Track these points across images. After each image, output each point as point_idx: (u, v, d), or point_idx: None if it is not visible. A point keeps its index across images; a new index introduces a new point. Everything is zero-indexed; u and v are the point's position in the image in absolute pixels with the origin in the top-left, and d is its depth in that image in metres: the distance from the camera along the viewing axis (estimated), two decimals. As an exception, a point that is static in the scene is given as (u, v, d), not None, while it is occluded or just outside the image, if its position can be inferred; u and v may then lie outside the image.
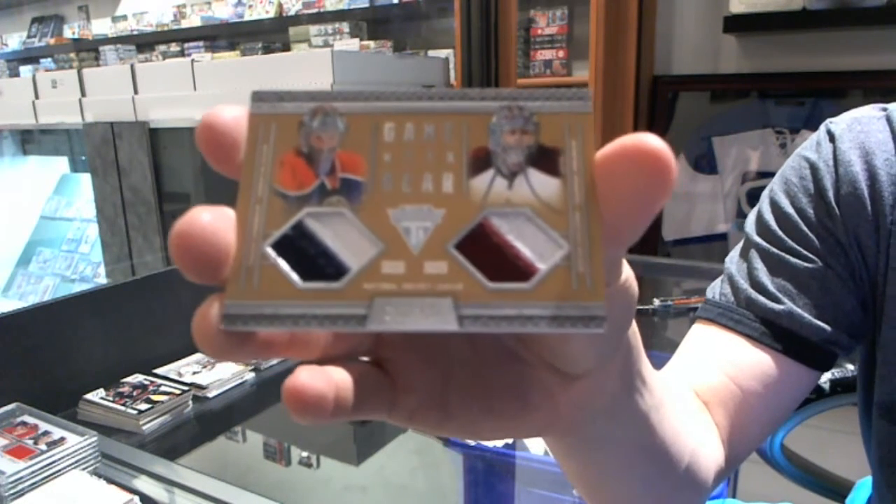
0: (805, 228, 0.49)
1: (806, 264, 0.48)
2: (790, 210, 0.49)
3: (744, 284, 0.50)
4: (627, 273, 0.21)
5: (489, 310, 0.17)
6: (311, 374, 0.18)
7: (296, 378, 0.18)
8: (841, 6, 1.71)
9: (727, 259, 0.53)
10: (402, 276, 0.17)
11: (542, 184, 0.18)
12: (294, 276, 0.17)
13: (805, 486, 0.96)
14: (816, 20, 1.75)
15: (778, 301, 0.48)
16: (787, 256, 0.49)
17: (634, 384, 0.27)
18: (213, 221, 0.17)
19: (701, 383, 0.47)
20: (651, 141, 0.17)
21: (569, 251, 0.17)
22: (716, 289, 0.52)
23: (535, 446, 0.72)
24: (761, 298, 0.48)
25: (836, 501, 0.95)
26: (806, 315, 0.48)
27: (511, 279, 0.17)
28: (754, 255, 0.50)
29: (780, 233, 0.49)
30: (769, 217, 0.51)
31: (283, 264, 0.17)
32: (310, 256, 0.17)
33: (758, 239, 0.51)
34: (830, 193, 0.48)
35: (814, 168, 0.49)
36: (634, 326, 0.25)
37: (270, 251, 0.17)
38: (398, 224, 0.17)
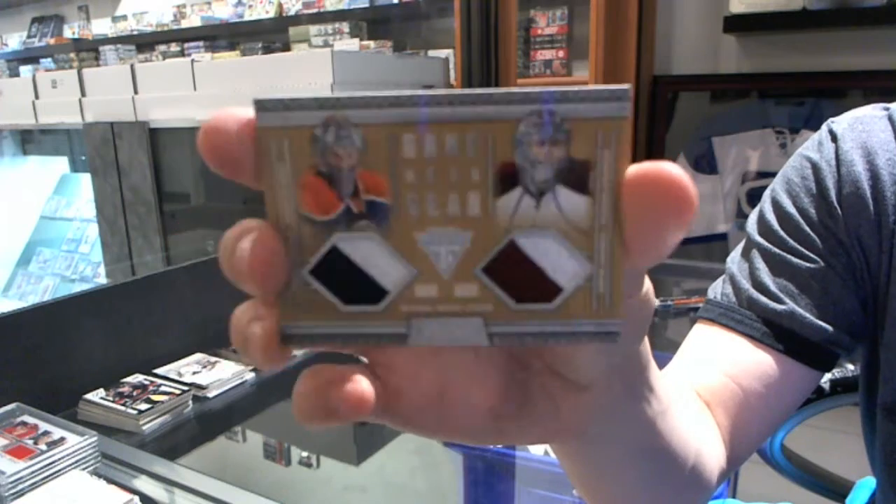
0: (807, 228, 0.49)
1: (807, 264, 0.48)
2: (792, 210, 0.49)
3: (745, 284, 0.50)
4: (648, 286, 0.22)
5: (515, 328, 0.18)
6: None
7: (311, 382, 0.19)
8: (841, 6, 1.71)
9: (728, 259, 0.53)
10: (435, 298, 0.18)
11: (571, 202, 0.17)
12: (337, 301, 0.18)
13: (805, 486, 0.96)
14: (816, 20, 1.75)
15: (779, 301, 0.48)
16: (789, 256, 0.49)
17: (642, 392, 0.28)
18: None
19: (702, 384, 0.47)
20: (675, 172, 0.17)
21: (591, 272, 0.17)
22: (717, 289, 0.52)
23: (535, 446, 0.72)
24: (763, 298, 0.48)
25: (835, 501, 0.95)
26: (808, 315, 0.48)
27: (536, 300, 0.18)
28: (756, 255, 0.50)
29: (781, 233, 0.49)
30: (771, 217, 0.51)
31: (325, 290, 0.18)
32: (349, 281, 0.18)
33: (759, 239, 0.51)
34: (832, 193, 0.48)
35: (815, 168, 0.49)
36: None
37: (311, 278, 0.18)
38: (427, 248, 0.18)
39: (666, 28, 2.07)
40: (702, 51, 2.04)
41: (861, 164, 0.47)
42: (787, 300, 0.48)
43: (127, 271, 1.80)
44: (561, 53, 2.39)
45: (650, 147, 2.08)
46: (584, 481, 0.33)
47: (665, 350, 1.02)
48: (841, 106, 1.87)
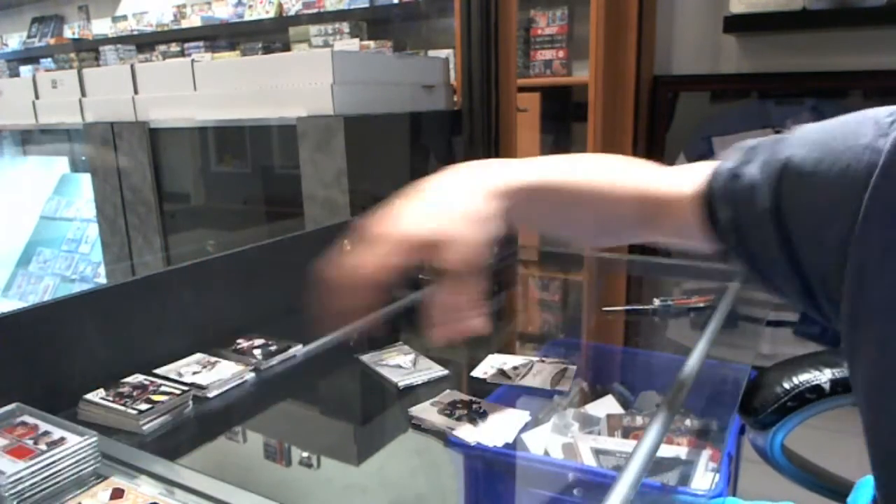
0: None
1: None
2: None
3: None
4: None
5: None
6: None
7: None
8: (841, 6, 1.71)
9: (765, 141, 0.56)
10: None
11: None
12: None
13: (805, 486, 0.96)
14: (816, 20, 1.75)
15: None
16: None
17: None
18: None
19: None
20: None
21: None
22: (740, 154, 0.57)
23: (535, 446, 0.72)
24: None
25: (836, 501, 0.95)
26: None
27: None
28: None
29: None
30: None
31: None
32: None
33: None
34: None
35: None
36: None
37: None
38: None
39: (666, 28, 2.07)
40: (702, 51, 2.04)
41: None
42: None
43: (127, 271, 1.80)
44: (561, 53, 2.39)
45: (650, 147, 2.08)
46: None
47: (665, 350, 1.02)
48: (841, 106, 1.87)
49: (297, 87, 1.34)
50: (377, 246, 0.54)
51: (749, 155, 0.56)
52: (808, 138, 0.50)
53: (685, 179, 0.62)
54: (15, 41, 4.39)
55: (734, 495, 1.05)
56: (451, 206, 0.55)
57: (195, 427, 0.76)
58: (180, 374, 0.83)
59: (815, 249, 0.48)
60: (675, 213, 0.62)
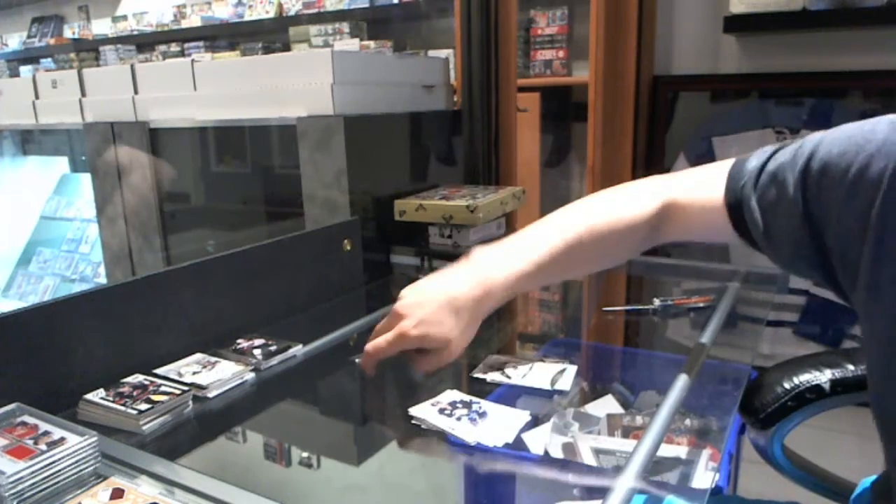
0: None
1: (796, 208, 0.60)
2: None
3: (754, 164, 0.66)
4: None
5: None
6: None
7: None
8: (841, 6, 1.71)
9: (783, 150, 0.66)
10: None
11: None
12: None
13: (805, 486, 0.96)
14: (816, 20, 1.75)
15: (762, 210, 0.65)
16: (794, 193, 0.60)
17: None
18: None
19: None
20: None
21: None
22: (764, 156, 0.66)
23: (535, 446, 0.72)
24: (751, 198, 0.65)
25: (836, 501, 0.95)
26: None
27: None
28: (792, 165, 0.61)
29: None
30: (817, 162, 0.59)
31: None
32: None
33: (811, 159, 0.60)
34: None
35: None
36: None
37: None
38: None
39: (666, 28, 2.07)
40: (702, 51, 2.04)
41: None
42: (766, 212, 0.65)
43: (127, 271, 1.80)
44: (561, 53, 2.39)
45: (650, 147, 2.08)
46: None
47: (665, 350, 1.02)
48: (841, 106, 1.87)
49: (297, 87, 1.34)
50: (395, 339, 0.76)
51: (767, 155, 0.66)
52: (829, 137, 0.59)
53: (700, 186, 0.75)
54: (15, 41, 4.39)
55: (734, 495, 1.05)
56: (446, 317, 0.75)
57: (195, 427, 0.76)
58: (180, 374, 0.83)
59: (838, 224, 0.56)
60: (687, 218, 0.76)
